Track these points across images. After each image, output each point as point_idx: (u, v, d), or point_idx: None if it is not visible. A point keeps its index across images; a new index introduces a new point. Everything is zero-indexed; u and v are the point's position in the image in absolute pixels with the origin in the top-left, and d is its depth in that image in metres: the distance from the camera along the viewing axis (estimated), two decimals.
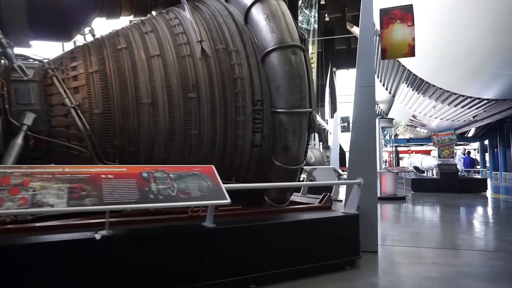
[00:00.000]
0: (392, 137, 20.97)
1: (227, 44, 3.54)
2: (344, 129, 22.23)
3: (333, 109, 35.96)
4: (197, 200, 2.56)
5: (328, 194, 3.93)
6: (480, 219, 7.50)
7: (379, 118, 10.54)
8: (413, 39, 4.60)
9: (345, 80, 44.41)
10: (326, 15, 35.72)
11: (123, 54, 3.33)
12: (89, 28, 3.64)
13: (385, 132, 16.36)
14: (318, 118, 23.73)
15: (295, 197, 4.52)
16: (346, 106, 39.40)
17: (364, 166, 4.01)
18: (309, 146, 13.89)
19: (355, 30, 32.30)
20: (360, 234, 3.61)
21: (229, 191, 2.74)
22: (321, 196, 4.00)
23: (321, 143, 25.07)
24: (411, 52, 4.55)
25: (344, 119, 22.40)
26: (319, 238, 3.26)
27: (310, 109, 3.54)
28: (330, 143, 36.01)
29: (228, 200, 2.62)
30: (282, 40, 3.44)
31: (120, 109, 3.22)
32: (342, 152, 37.60)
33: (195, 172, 2.70)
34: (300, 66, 3.50)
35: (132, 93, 3.25)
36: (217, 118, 3.44)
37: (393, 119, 13.29)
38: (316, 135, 21.36)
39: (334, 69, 41.56)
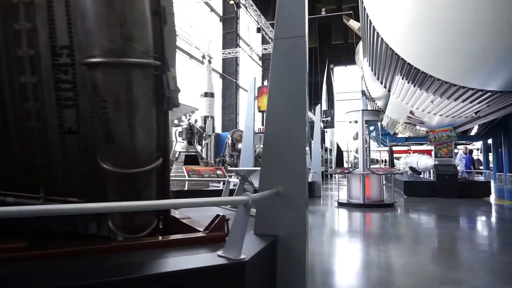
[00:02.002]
0: (377, 134, 19.29)
1: None
2: (327, 124, 20.71)
3: (331, 107, 34.40)
4: None
5: (222, 215, 2.34)
6: (482, 240, 5.83)
7: (362, 110, 8.93)
8: None
9: (343, 77, 42.89)
10: (323, 9, 34.04)
11: None
12: None
13: (372, 128, 14.73)
14: (311, 115, 22.19)
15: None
16: (344, 104, 37.79)
17: (284, 171, 2.44)
18: None
19: (352, 23, 30.69)
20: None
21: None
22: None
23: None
24: None
25: (328, 113, 20.83)
26: None
27: (156, 62, 1.94)
28: (327, 143, 34.60)
29: None
30: None
31: None
32: (339, 152, 36.13)
33: None
34: None
35: None
36: None
37: (381, 111, 11.65)
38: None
39: (331, 66, 39.92)
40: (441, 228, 6.64)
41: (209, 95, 18.08)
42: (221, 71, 23.08)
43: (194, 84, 20.37)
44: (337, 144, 35.14)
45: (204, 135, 9.21)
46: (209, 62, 19.30)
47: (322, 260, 4.16)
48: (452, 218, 7.61)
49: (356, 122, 9.18)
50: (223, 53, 21.79)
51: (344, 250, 4.84)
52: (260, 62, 30.85)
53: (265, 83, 29.27)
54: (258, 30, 24.72)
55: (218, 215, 2.35)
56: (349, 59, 32.82)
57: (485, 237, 5.95)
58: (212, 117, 18.07)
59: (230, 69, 23.07)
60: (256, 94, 24.08)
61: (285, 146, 2.53)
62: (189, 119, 9.10)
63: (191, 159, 8.70)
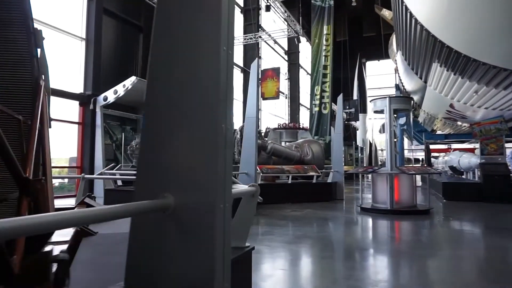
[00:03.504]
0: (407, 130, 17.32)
1: None
2: (351, 116, 18.92)
3: (363, 104, 32.41)
4: None
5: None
6: None
7: (389, 97, 7.40)
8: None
9: (376, 72, 40.52)
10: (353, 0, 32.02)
11: None
12: None
13: (403, 121, 12.92)
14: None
15: None
16: None
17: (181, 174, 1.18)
18: (306, 139, 10.79)
19: (385, 13, 28.58)
20: None
21: None
22: None
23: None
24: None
25: (351, 104, 19.00)
26: None
27: None
28: (359, 142, 32.60)
29: None
30: None
31: None
32: (374, 151, 33.99)
33: None
34: None
35: None
36: None
37: (411, 98, 9.99)
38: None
39: (363, 60, 37.75)
40: (492, 245, 5.07)
41: None
42: (242, 65, 21.93)
43: None
44: (372, 142, 33.13)
45: None
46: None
47: None
48: (506, 232, 5.96)
49: (382, 112, 7.68)
50: (244, 39, 20.42)
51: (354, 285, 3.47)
52: (286, 57, 29.44)
53: (287, 75, 27.76)
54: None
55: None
56: (382, 53, 30.70)
57: None
58: None
59: (251, 63, 21.84)
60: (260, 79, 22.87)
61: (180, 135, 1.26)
62: None
63: None
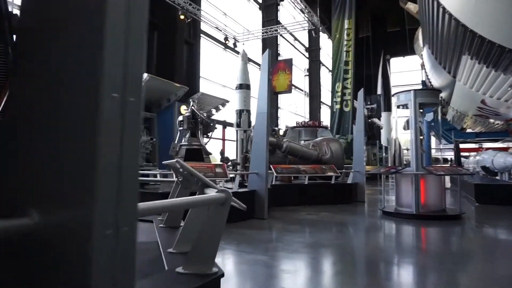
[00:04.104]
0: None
1: None
2: (373, 112, 17.86)
3: (387, 102, 31.27)
4: None
5: None
6: None
7: (414, 90, 6.67)
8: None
9: (401, 69, 39.06)
10: None
11: None
12: None
13: (430, 117, 12.00)
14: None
15: None
16: None
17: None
18: (326, 138, 10.20)
19: (410, 6, 27.35)
20: None
21: None
22: None
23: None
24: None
25: (373, 99, 17.92)
26: None
27: None
28: (383, 141, 31.42)
29: None
30: None
31: None
32: (400, 151, 32.68)
33: None
34: None
35: None
36: None
37: (439, 91, 9.17)
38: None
39: (387, 57, 36.46)
40: None
41: (244, 87, 16.30)
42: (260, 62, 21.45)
43: (229, 77, 18.96)
44: (397, 141, 31.92)
45: (211, 125, 7.48)
46: (245, 51, 17.66)
47: None
48: None
49: (406, 107, 6.97)
50: (263, 33, 19.64)
51: None
52: (306, 54, 28.70)
53: (306, 71, 26.91)
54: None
55: None
56: (407, 48, 29.43)
57: None
58: (248, 111, 16.23)
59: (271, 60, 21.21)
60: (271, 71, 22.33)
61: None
62: (192, 105, 7.37)
63: (194, 154, 7.05)
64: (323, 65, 31.14)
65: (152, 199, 1.45)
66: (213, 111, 15.04)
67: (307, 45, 28.66)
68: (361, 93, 9.82)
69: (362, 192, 9.71)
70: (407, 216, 6.71)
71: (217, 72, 18.46)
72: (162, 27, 14.01)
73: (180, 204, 1.87)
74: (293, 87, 20.89)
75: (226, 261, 3.94)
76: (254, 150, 6.79)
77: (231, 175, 7.44)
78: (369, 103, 19.01)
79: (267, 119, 6.61)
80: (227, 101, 14.87)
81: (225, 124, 18.72)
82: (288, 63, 20.11)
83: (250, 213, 6.60)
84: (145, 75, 10.78)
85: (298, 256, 4.12)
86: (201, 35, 17.07)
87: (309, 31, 20.06)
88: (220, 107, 14.93)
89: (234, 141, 13.92)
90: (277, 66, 19.67)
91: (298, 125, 15.32)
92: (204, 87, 16.99)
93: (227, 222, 1.75)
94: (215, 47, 18.60)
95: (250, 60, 18.18)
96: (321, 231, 5.73)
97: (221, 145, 18.59)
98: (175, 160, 2.52)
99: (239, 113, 15.39)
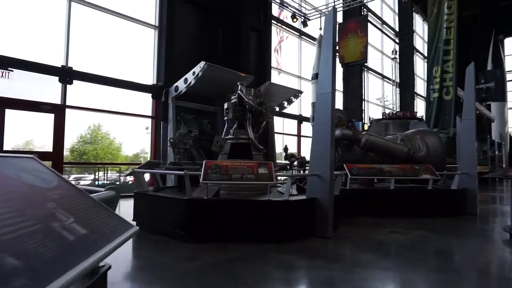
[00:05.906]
0: None
1: None
2: (489, 94, 14.04)
3: (501, 90, 26.16)
4: None
5: None
6: None
7: None
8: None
9: None
10: None
11: None
12: None
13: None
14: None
15: None
16: None
17: None
18: (420, 130, 7.93)
19: None
20: None
21: None
22: None
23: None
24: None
25: (489, 76, 14.04)
26: None
27: None
28: (495, 136, 26.31)
29: None
30: None
31: None
32: None
33: None
34: None
35: None
36: None
37: None
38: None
39: (500, 37, 30.64)
40: None
41: None
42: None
43: (306, 66, 17.15)
44: (510, 135, 26.58)
45: (264, 113, 5.79)
46: (321, 36, 15.60)
47: None
48: None
49: None
50: (343, 6, 16.31)
51: None
52: (396, 39, 25.27)
53: (395, 55, 23.45)
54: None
55: None
56: None
57: None
58: None
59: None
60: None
61: None
62: (240, 89, 5.74)
63: (241, 150, 5.43)
64: (417, 50, 27.26)
65: None
66: (285, 103, 13.45)
67: (397, 29, 25.23)
68: (471, 68, 7.22)
69: (473, 201, 7.18)
70: None
71: (291, 62, 16.79)
72: (227, 15, 12.85)
73: None
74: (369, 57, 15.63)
75: None
76: (314, 144, 5.00)
77: (282, 178, 5.77)
78: (482, 81, 15.25)
79: (332, 101, 4.78)
80: (301, 92, 13.10)
81: (300, 119, 16.96)
82: (361, 22, 15.60)
83: (309, 229, 4.86)
84: (202, 63, 9.64)
85: None
86: (272, 21, 15.55)
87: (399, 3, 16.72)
88: (293, 98, 13.23)
89: (311, 137, 12.13)
90: (346, 28, 15.32)
91: (385, 116, 12.81)
92: (277, 78, 15.47)
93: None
94: (290, 36, 16.94)
95: None
96: (413, 268, 3.71)
97: (295, 141, 16.90)
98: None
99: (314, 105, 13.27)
